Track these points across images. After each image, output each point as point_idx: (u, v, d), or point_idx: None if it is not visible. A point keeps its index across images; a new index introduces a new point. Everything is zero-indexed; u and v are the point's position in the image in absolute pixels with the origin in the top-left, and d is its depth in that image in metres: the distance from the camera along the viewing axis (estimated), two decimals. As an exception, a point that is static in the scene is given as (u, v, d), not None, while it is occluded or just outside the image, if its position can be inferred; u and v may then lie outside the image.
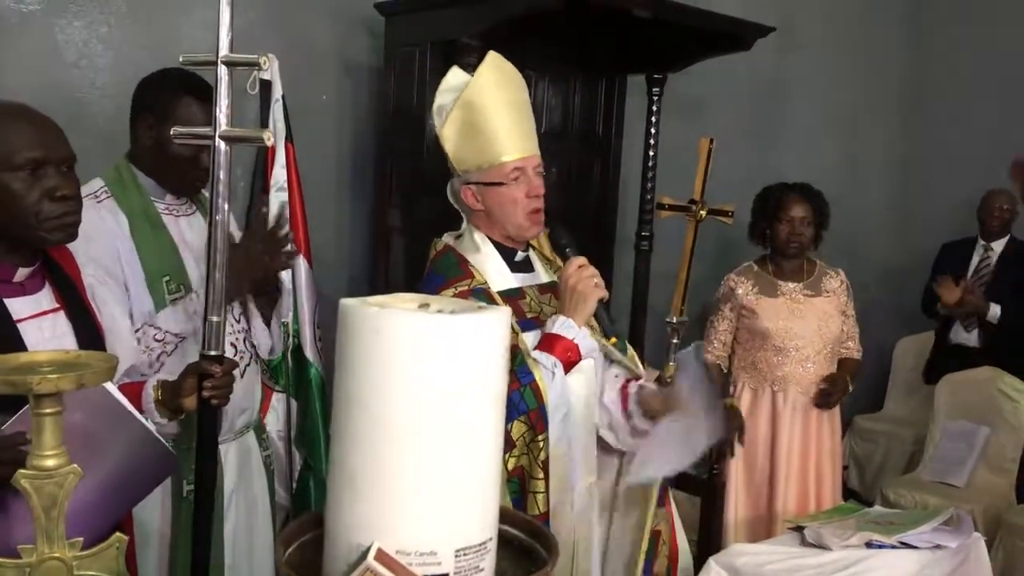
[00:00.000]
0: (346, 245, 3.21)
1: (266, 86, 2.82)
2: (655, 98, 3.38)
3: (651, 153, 3.43)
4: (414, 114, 2.89)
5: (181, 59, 1.62)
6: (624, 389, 2.01)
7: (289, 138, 2.83)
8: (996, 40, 4.79)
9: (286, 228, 1.92)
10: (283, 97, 2.82)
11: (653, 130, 3.41)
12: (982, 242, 4.26)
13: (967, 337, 4.19)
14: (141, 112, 1.92)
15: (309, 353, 2.77)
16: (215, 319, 1.58)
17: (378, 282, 3.07)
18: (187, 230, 1.94)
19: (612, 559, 2.06)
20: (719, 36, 3.16)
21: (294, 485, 2.87)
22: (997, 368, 3.94)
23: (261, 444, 2.11)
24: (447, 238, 2.02)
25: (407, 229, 2.96)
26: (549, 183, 1.99)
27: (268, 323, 2.01)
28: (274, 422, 2.87)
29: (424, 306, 0.96)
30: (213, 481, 1.68)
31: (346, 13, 3.09)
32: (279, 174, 2.82)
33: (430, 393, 0.88)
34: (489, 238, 1.95)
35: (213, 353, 1.60)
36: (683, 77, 3.49)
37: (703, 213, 3.32)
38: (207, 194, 1.98)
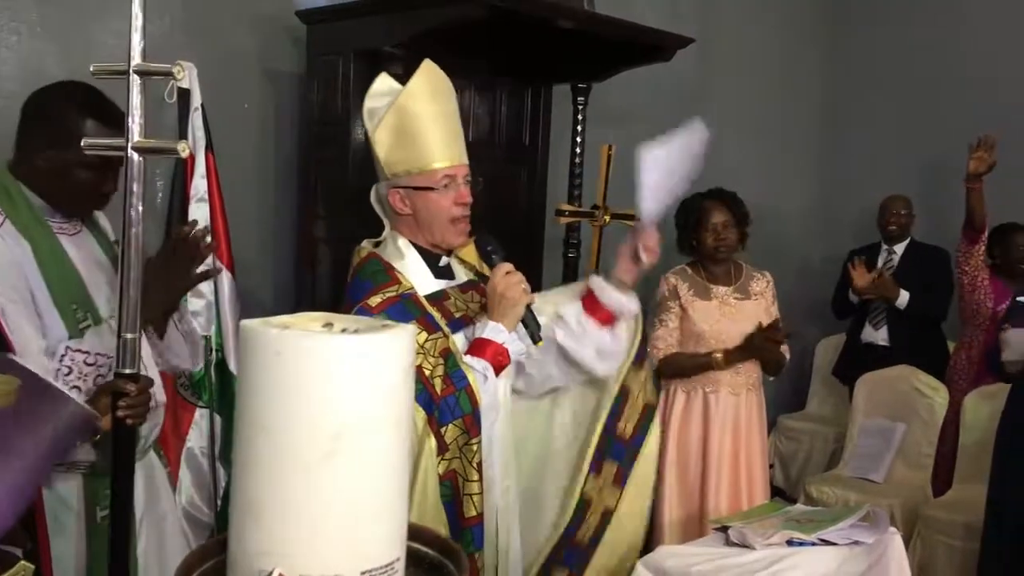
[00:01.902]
0: (270, 256, 3.17)
1: (184, 95, 2.76)
2: (580, 107, 3.42)
3: (577, 161, 3.47)
4: (338, 123, 2.86)
5: (92, 68, 1.58)
6: (586, 300, 2.07)
7: (209, 147, 2.78)
8: (910, 47, 4.98)
9: (206, 241, 1.86)
10: (203, 106, 2.77)
11: (579, 138, 3.45)
12: (885, 246, 4.44)
13: (875, 336, 4.35)
14: (36, 125, 1.80)
15: (234, 367, 2.72)
16: (130, 336, 1.54)
17: (304, 293, 3.03)
18: (78, 250, 1.86)
19: (538, 516, 2.09)
20: (640, 47, 3.21)
21: (219, 503, 2.82)
22: (911, 367, 4.10)
23: (162, 461, 2.06)
24: (368, 245, 2.02)
25: (333, 239, 2.93)
26: (477, 192, 2.01)
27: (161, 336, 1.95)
28: (197, 438, 2.81)
29: (328, 325, 0.95)
30: (132, 506, 1.64)
31: (267, 20, 3.05)
32: (199, 184, 2.77)
33: (333, 415, 0.88)
34: (413, 244, 1.97)
35: (128, 371, 1.56)
36: (607, 86, 3.54)
37: (607, 218, 3.38)
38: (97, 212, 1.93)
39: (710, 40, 4.31)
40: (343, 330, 0.94)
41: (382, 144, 1.91)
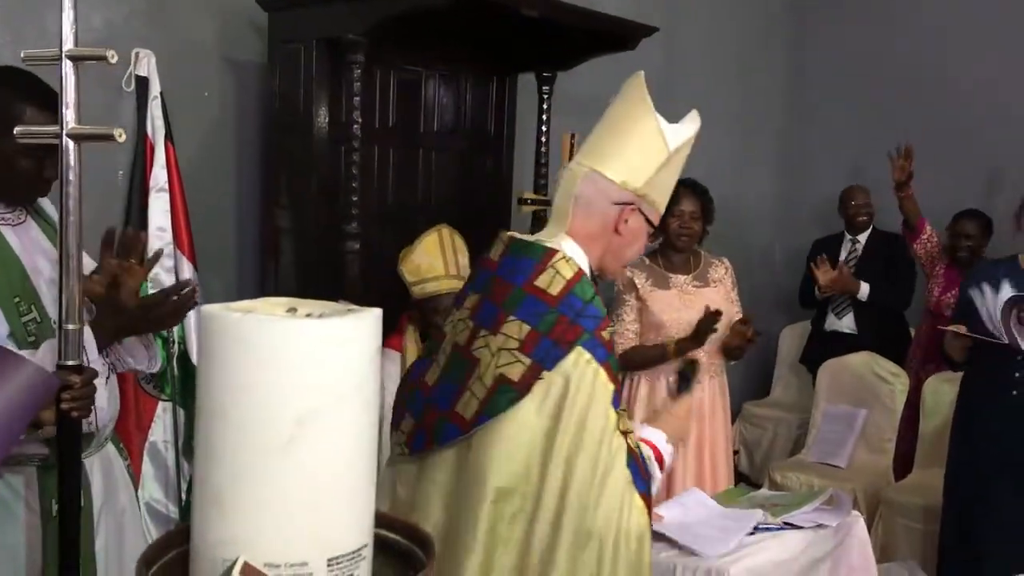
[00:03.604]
0: (233, 248, 3.12)
1: (143, 83, 2.72)
2: (545, 96, 3.42)
3: (543, 150, 3.47)
4: (300, 111, 2.83)
5: (23, 55, 1.54)
6: None
7: (169, 137, 2.74)
8: (872, 41, 5.05)
9: (187, 294, 1.86)
10: (162, 95, 2.73)
11: (544, 128, 3.44)
12: (848, 236, 4.49)
13: (839, 324, 4.41)
14: None
15: (196, 359, 2.68)
16: (71, 327, 1.51)
17: (268, 284, 2.99)
18: (22, 240, 1.80)
19: None
20: (605, 36, 3.21)
21: (183, 497, 2.78)
22: (873, 353, 4.16)
23: (120, 453, 2.03)
24: (565, 253, 1.70)
25: (296, 230, 2.90)
26: None
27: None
28: (161, 432, 2.78)
29: (292, 310, 0.94)
30: (79, 500, 1.61)
31: (228, 7, 3.00)
32: (159, 174, 2.74)
33: (297, 400, 0.86)
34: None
35: (71, 363, 1.53)
36: (572, 75, 3.53)
37: (570, 206, 3.36)
38: (40, 199, 1.87)
39: (675, 30, 4.32)
40: (308, 315, 0.93)
41: (657, 163, 1.78)
